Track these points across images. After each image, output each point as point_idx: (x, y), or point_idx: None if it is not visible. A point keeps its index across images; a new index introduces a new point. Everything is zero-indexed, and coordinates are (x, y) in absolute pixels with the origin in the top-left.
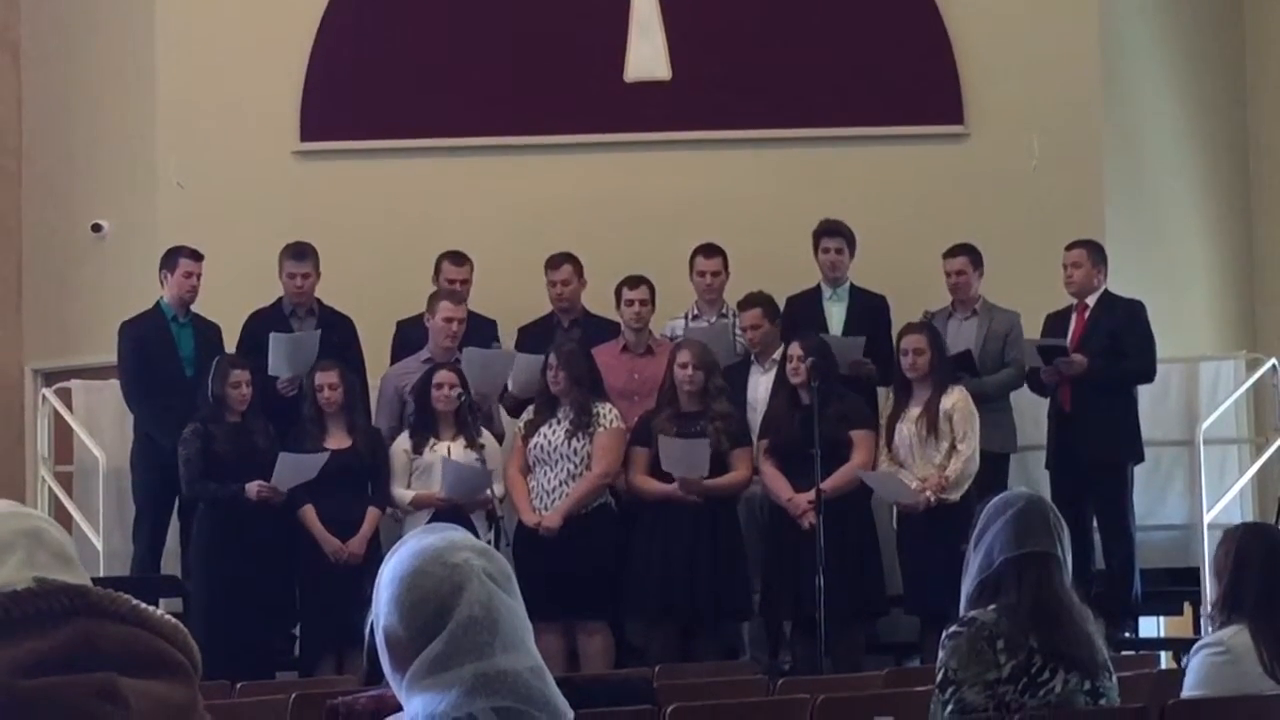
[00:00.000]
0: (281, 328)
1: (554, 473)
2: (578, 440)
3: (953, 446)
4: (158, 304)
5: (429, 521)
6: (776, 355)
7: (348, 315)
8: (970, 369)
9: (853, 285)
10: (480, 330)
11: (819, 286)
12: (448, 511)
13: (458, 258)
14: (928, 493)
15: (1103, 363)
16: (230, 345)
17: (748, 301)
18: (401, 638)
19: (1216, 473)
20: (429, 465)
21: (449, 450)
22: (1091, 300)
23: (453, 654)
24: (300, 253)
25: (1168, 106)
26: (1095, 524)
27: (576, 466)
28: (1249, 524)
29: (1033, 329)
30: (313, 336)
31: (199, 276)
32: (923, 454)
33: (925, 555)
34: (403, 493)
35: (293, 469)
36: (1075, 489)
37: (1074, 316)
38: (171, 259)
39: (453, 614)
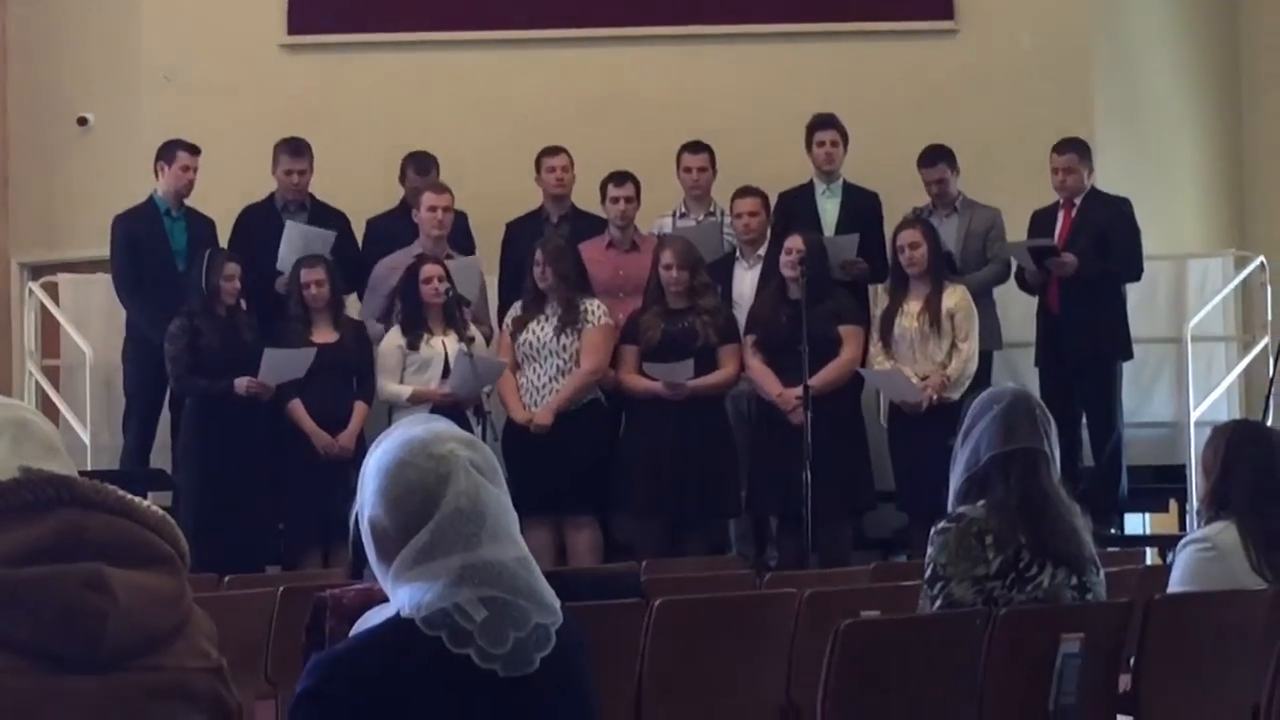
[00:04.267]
0: (274, 223)
1: (543, 369)
2: (566, 337)
3: (953, 345)
4: (151, 197)
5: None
6: (762, 251)
7: (341, 211)
8: (950, 267)
9: (845, 181)
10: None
11: (811, 182)
12: (444, 407)
13: (423, 164)
14: (929, 391)
15: (1090, 262)
16: (222, 240)
17: (744, 190)
18: (388, 529)
19: (1204, 370)
20: (426, 360)
21: (444, 345)
22: (1078, 199)
23: (439, 545)
24: (297, 149)
25: (1158, 2)
26: (1084, 421)
27: (565, 363)
28: (1238, 421)
29: (1018, 225)
30: (327, 234)
31: (195, 171)
32: (924, 351)
33: (918, 452)
34: (398, 388)
35: (279, 365)
36: (1064, 387)
37: (1061, 214)
38: (169, 152)
39: (439, 505)
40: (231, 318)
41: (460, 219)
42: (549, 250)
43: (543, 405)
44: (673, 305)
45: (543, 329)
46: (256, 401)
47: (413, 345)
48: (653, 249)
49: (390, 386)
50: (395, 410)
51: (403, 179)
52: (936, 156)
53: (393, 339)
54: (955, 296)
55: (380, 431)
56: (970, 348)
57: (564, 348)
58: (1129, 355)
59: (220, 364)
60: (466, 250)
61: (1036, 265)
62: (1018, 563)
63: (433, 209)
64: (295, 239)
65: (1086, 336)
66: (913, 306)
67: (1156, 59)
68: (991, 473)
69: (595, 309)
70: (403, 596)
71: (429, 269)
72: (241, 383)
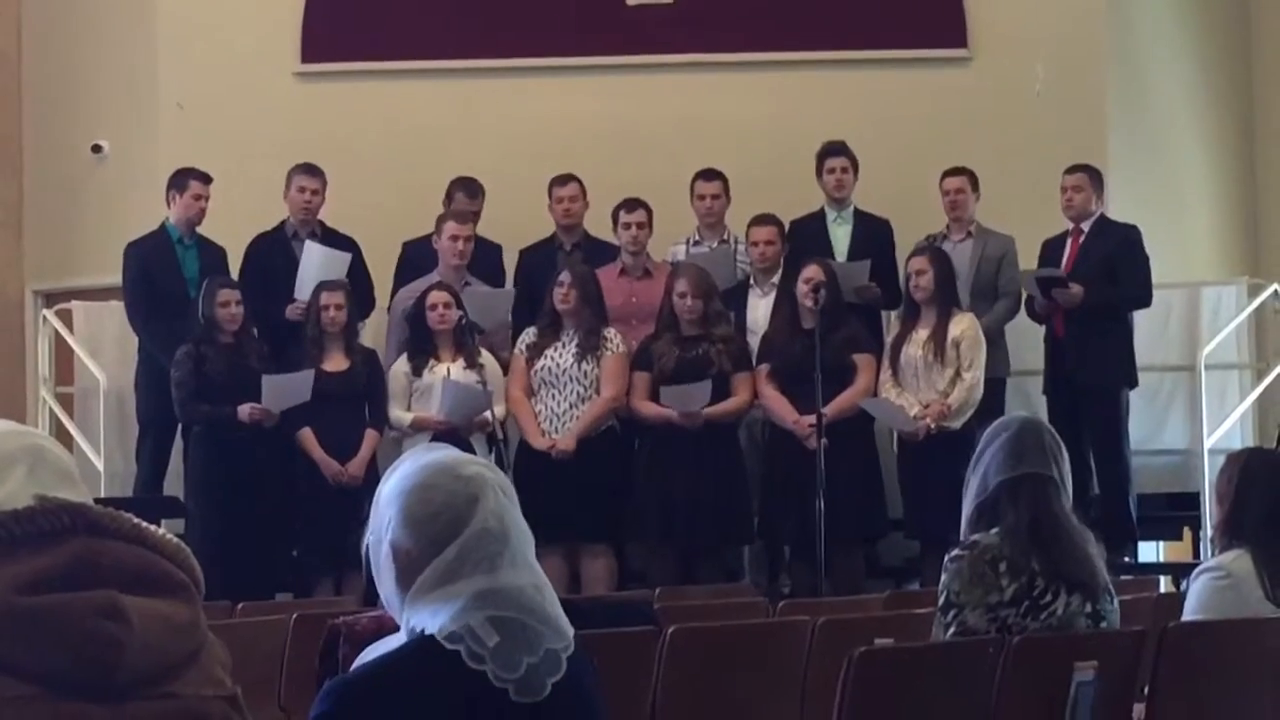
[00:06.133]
0: (285, 250)
1: (562, 395)
2: (586, 363)
3: (958, 373)
4: (163, 225)
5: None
6: (775, 279)
7: (351, 237)
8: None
9: (857, 209)
10: (486, 255)
11: (823, 210)
12: (446, 434)
13: (471, 189)
14: (927, 420)
15: (1098, 290)
16: (234, 268)
17: (761, 218)
18: (411, 550)
19: (1217, 398)
20: (429, 386)
21: (448, 371)
22: (1087, 225)
23: (464, 563)
24: (311, 169)
25: (1170, 29)
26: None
27: (586, 389)
28: (1252, 449)
29: (1030, 253)
30: (344, 255)
31: (207, 199)
32: (928, 378)
33: (926, 480)
34: (402, 415)
35: (280, 390)
36: (1070, 414)
37: (1069, 242)
38: (181, 180)
39: (468, 524)
40: (240, 344)
41: (495, 251)
42: (576, 274)
43: (564, 432)
44: (686, 333)
45: (561, 355)
46: (262, 428)
47: (417, 371)
48: (666, 276)
49: (395, 413)
50: (405, 439)
51: (448, 202)
52: (959, 170)
53: (400, 365)
54: (963, 325)
55: (391, 459)
56: (974, 376)
57: (585, 374)
58: (1133, 382)
59: (226, 391)
60: (496, 283)
61: (1043, 295)
62: (1032, 590)
63: (454, 238)
64: (315, 258)
65: (1091, 363)
66: (920, 335)
67: (1170, 87)
68: (1000, 498)
69: (613, 336)
70: (421, 619)
71: (435, 295)
72: (244, 409)
